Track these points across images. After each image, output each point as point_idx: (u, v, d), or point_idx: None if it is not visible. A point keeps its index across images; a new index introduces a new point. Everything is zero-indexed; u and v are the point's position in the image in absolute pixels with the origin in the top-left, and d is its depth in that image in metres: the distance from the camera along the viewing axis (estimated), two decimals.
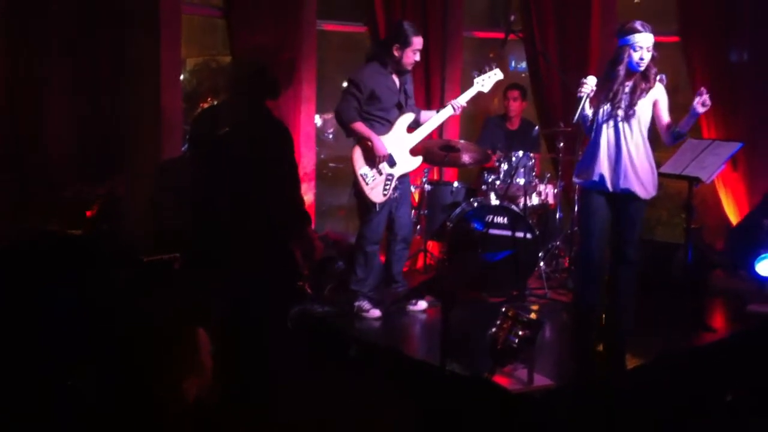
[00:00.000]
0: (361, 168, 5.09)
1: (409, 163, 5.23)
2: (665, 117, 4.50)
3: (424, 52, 6.42)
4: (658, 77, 4.41)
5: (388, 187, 5.11)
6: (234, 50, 6.00)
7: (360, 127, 5.06)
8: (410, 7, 6.57)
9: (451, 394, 4.09)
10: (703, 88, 4.38)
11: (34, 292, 3.49)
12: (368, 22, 6.66)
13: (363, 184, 5.10)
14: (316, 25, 6.43)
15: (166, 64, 5.64)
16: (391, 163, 5.14)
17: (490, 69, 5.39)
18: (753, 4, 6.45)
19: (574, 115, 4.42)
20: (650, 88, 4.40)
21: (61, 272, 3.75)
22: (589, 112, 4.45)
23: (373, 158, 5.07)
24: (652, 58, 4.35)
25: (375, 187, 5.10)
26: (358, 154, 5.11)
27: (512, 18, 6.21)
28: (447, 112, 5.28)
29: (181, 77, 6.40)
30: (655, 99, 4.45)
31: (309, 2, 6.28)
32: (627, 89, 4.40)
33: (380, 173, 5.11)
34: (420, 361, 4.53)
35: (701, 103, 4.33)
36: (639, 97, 4.38)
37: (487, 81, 5.37)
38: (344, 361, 4.53)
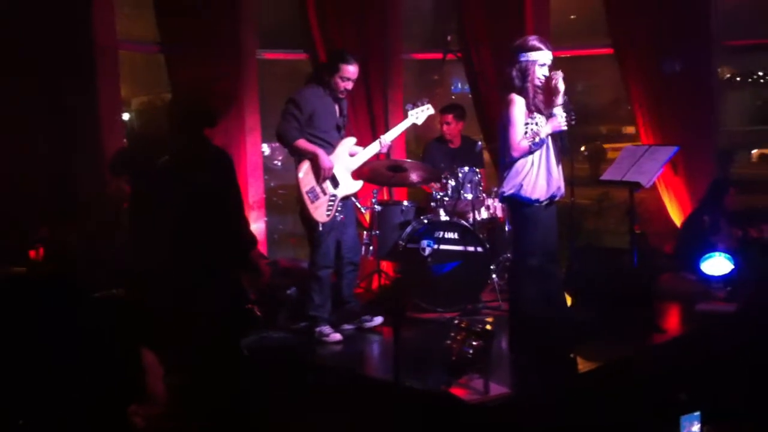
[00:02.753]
0: (307, 186, 5.10)
1: (350, 186, 5.27)
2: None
3: (364, 76, 6.55)
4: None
5: (331, 207, 5.13)
6: (174, 84, 6.01)
7: (303, 143, 5.07)
8: (348, 32, 6.66)
9: (409, 409, 4.11)
10: None
11: None
12: (308, 49, 6.73)
13: (308, 202, 5.09)
14: (257, 54, 6.46)
15: (105, 103, 5.61)
16: (335, 183, 5.16)
17: (422, 104, 5.54)
18: (679, 16, 6.66)
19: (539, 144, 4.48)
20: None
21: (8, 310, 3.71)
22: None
23: (318, 174, 5.09)
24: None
25: (319, 207, 5.11)
26: (303, 173, 5.10)
27: (449, 38, 6.32)
28: (374, 148, 5.35)
29: (126, 116, 6.36)
30: None
31: (248, 32, 6.32)
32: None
33: (324, 193, 5.13)
34: (376, 380, 4.54)
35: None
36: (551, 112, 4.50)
37: (420, 114, 5.54)
38: (303, 388, 4.54)
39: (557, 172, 4.54)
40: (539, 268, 4.54)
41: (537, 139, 4.43)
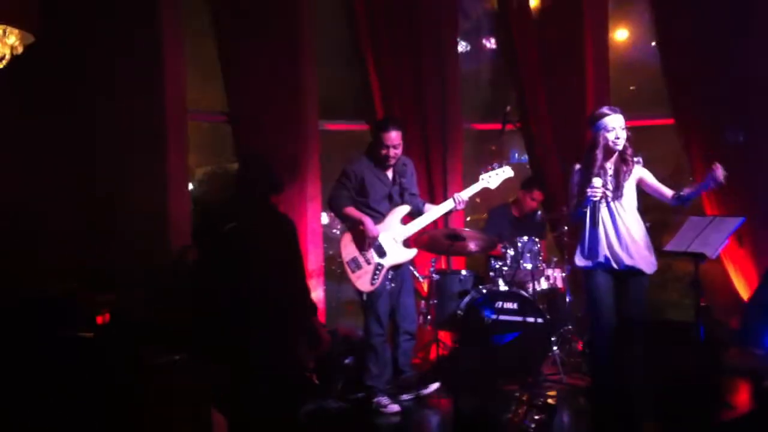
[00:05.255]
0: (348, 256, 5.16)
1: (400, 255, 5.26)
2: (662, 188, 4.60)
3: (423, 145, 6.65)
4: (635, 159, 4.55)
5: (377, 277, 5.14)
6: (239, 153, 6.17)
7: (351, 211, 5.18)
8: (408, 102, 6.77)
9: None
10: (717, 164, 4.41)
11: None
12: (369, 120, 6.85)
13: (349, 272, 5.16)
14: (319, 125, 6.61)
15: (173, 173, 5.76)
16: (380, 253, 5.18)
17: (500, 166, 5.46)
18: (740, 84, 6.61)
19: (579, 213, 4.55)
20: (630, 170, 4.54)
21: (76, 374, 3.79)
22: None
23: (362, 243, 5.12)
24: (627, 138, 4.51)
25: (362, 276, 5.14)
26: (345, 242, 5.20)
27: (508, 109, 6.37)
28: (447, 205, 5.31)
29: (190, 186, 6.52)
30: (639, 177, 4.61)
31: (311, 103, 6.49)
32: (610, 172, 4.52)
33: (368, 263, 5.14)
34: None
35: (713, 178, 4.38)
36: (624, 179, 4.52)
37: (494, 178, 5.42)
38: None
39: (605, 243, 4.51)
40: (603, 336, 4.52)
41: (573, 208, 4.58)
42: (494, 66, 7.97)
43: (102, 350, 4.13)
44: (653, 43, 7.34)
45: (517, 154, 9.08)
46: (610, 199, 4.51)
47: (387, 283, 5.19)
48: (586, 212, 4.52)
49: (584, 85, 6.93)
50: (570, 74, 6.99)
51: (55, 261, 5.26)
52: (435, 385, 5.40)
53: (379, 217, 5.23)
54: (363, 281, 5.13)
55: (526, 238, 6.07)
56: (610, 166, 4.55)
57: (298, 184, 6.36)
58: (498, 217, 6.70)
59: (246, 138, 6.18)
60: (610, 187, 4.50)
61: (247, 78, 6.26)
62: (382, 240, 5.19)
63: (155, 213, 5.67)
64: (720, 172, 4.37)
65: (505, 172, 5.45)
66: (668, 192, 4.59)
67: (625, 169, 4.54)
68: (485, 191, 5.51)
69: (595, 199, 4.44)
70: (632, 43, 8.02)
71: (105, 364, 4.05)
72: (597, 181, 4.44)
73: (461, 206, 5.30)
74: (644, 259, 4.52)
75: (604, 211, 4.51)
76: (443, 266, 6.70)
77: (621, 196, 4.51)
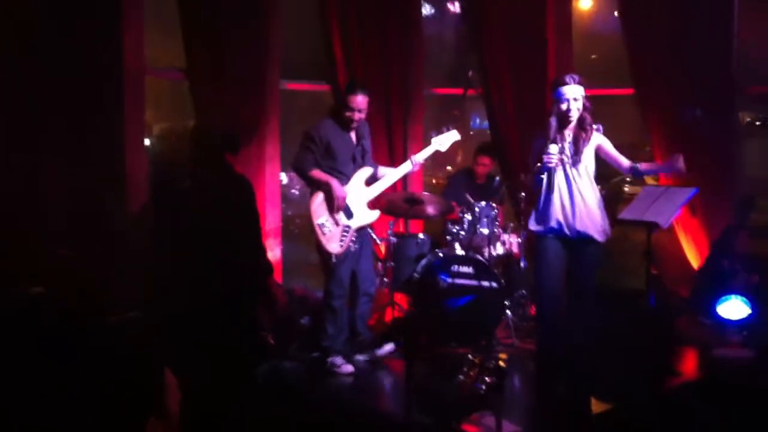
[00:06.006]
0: (319, 218, 5.14)
1: (366, 216, 5.28)
2: (619, 157, 4.67)
3: (385, 109, 6.62)
4: (594, 127, 4.61)
5: (344, 238, 5.15)
6: (197, 110, 6.07)
7: (318, 173, 5.15)
8: (371, 65, 6.71)
9: None
10: (679, 155, 4.56)
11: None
12: (331, 81, 6.79)
13: (320, 234, 5.13)
14: (279, 84, 6.53)
15: (130, 127, 5.65)
16: (348, 214, 5.19)
17: (448, 130, 5.57)
18: (700, 60, 6.66)
19: (537, 179, 4.62)
20: (589, 137, 4.58)
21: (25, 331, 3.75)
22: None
23: (331, 205, 5.11)
24: (585, 108, 4.57)
25: (332, 238, 5.14)
26: (316, 204, 5.16)
27: (470, 74, 6.36)
28: (405, 167, 5.40)
29: (147, 141, 6.42)
30: (597, 145, 4.67)
31: (272, 62, 6.39)
32: (569, 139, 4.57)
33: (336, 224, 5.15)
34: (387, 415, 4.52)
35: (674, 166, 4.54)
36: (583, 146, 4.57)
37: (444, 141, 5.54)
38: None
39: (558, 208, 4.59)
40: (549, 301, 4.60)
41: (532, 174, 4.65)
42: (457, 30, 7.94)
43: (51, 306, 4.10)
44: (616, 13, 7.36)
45: (478, 120, 9.11)
46: (567, 166, 4.57)
47: (351, 245, 5.21)
48: (543, 179, 4.59)
49: (546, 53, 6.92)
50: (533, 42, 6.95)
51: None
52: (389, 347, 5.46)
53: (344, 179, 5.22)
54: (333, 243, 5.14)
55: (483, 203, 6.11)
56: (568, 133, 4.62)
57: (256, 144, 6.28)
58: (458, 182, 6.73)
59: (203, 95, 6.07)
60: (568, 153, 4.56)
61: (208, 34, 6.13)
62: (350, 202, 5.19)
63: (114, 168, 5.58)
64: (681, 161, 4.48)
65: (452, 135, 5.58)
66: (625, 162, 4.66)
67: (584, 136, 4.60)
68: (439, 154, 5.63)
69: (551, 165, 4.49)
70: (595, 13, 8.06)
71: (55, 320, 4.01)
72: (553, 148, 4.50)
73: (416, 168, 5.46)
74: (596, 227, 4.60)
75: (560, 177, 4.59)
76: (401, 229, 6.73)
77: (579, 162, 4.58)
